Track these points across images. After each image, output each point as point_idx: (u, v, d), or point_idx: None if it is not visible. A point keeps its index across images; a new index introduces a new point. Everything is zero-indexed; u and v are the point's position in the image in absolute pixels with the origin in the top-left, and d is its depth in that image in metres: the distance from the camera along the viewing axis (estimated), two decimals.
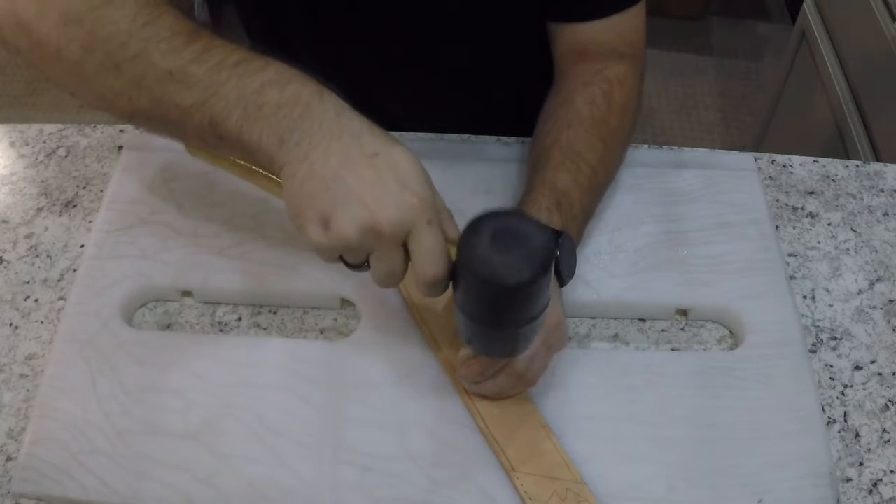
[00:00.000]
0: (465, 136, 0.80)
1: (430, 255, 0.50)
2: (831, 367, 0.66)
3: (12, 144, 0.80)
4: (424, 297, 0.59)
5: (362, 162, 0.50)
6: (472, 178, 0.75)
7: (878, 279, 0.72)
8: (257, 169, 0.59)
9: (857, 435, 0.62)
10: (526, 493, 0.56)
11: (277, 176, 0.52)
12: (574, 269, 0.59)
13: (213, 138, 0.53)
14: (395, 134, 0.80)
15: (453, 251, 0.51)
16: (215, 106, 0.52)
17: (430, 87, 0.80)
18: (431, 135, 0.80)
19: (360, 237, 0.49)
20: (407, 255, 0.51)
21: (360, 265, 0.53)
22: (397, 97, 0.80)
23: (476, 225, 0.49)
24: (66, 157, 0.79)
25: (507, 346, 0.54)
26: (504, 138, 0.80)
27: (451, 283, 0.53)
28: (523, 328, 0.51)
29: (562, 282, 0.57)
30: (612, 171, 0.71)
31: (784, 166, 0.81)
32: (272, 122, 0.51)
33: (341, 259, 0.53)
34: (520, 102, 0.81)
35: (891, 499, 0.58)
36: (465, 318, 0.52)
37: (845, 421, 0.62)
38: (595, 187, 0.67)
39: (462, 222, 0.50)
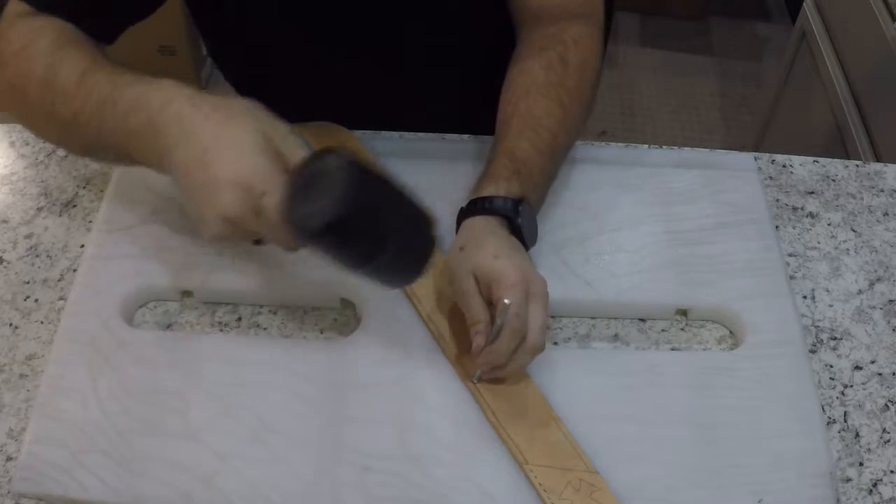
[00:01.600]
0: (465, 136, 0.80)
1: (273, 223, 0.54)
2: (831, 367, 0.66)
3: (12, 144, 0.80)
4: (427, 284, 0.65)
5: (196, 166, 0.55)
6: (471, 178, 0.75)
7: (878, 279, 0.72)
8: None
9: (857, 435, 0.62)
10: (541, 485, 0.56)
11: None
12: (536, 233, 0.66)
13: (131, 163, 0.61)
14: (396, 134, 0.81)
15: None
16: (109, 140, 0.60)
17: (406, 91, 0.82)
18: (431, 135, 0.80)
19: (224, 228, 0.55)
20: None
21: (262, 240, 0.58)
22: (377, 101, 0.82)
23: (295, 180, 0.52)
24: (66, 157, 0.79)
25: (391, 276, 0.57)
26: (493, 142, 0.80)
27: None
28: (380, 259, 0.52)
29: (525, 246, 0.63)
30: (574, 132, 0.72)
31: (784, 166, 0.81)
32: (143, 146, 0.58)
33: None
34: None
35: (891, 499, 0.58)
36: (342, 267, 0.54)
37: (845, 421, 0.62)
38: (556, 151, 0.69)
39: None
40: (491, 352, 0.58)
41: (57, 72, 0.61)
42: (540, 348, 0.59)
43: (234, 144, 0.55)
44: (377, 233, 0.51)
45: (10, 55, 0.63)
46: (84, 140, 0.62)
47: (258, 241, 0.59)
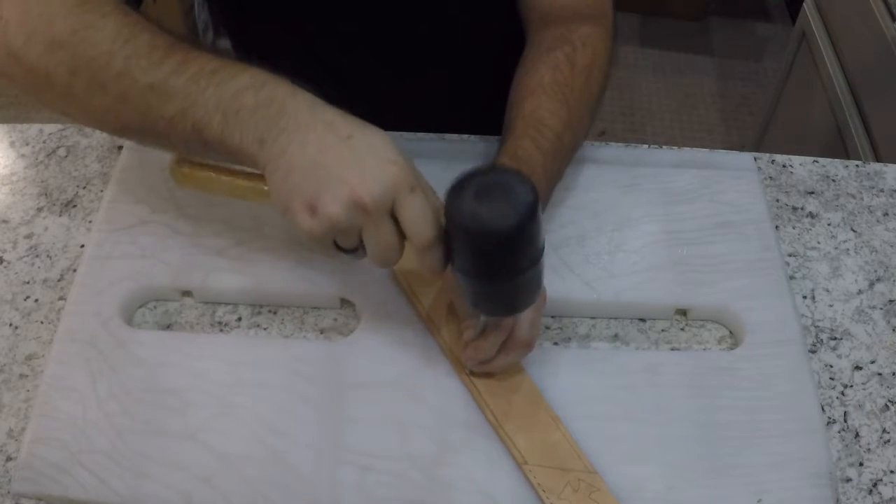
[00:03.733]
0: (465, 136, 0.80)
1: (419, 219, 0.52)
2: (831, 367, 0.66)
3: (12, 144, 0.80)
4: (426, 282, 0.64)
5: (338, 145, 0.52)
6: None
7: (878, 279, 0.72)
8: (244, 183, 0.61)
9: (856, 435, 0.62)
10: (539, 485, 0.56)
11: (262, 175, 0.55)
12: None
13: (197, 145, 0.56)
14: (395, 134, 0.81)
15: (441, 220, 0.53)
16: (196, 114, 0.54)
17: (413, 91, 0.81)
18: (431, 135, 0.80)
19: (347, 215, 0.51)
20: (398, 228, 0.53)
21: (356, 249, 0.55)
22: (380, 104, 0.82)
23: (458, 185, 0.51)
24: (66, 157, 0.79)
25: (514, 299, 0.55)
26: (498, 144, 0.80)
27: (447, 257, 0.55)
28: (523, 277, 0.53)
29: None
30: (580, 133, 0.71)
31: (784, 166, 0.81)
32: (250, 124, 0.53)
33: (337, 246, 0.56)
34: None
35: (891, 499, 0.58)
36: (467, 280, 0.54)
37: (845, 421, 0.62)
38: (560, 152, 0.68)
39: None
40: (476, 347, 0.59)
41: (136, 35, 0.56)
42: (527, 345, 0.60)
43: (381, 138, 0.53)
44: (538, 245, 0.52)
45: (69, 35, 0.57)
46: (148, 113, 0.56)
47: (347, 251, 0.56)
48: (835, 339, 0.67)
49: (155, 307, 0.68)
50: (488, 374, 0.61)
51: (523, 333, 0.59)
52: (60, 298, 0.68)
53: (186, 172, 0.62)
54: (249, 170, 0.58)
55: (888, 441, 0.61)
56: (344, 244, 0.55)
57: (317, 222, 0.52)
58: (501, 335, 0.59)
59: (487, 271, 0.53)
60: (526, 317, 0.59)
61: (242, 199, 0.62)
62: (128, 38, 0.56)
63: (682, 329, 0.68)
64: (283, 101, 0.54)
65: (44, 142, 0.80)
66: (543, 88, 0.69)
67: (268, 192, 0.56)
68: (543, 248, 0.53)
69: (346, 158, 0.52)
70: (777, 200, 0.77)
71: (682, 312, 0.68)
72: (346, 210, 0.51)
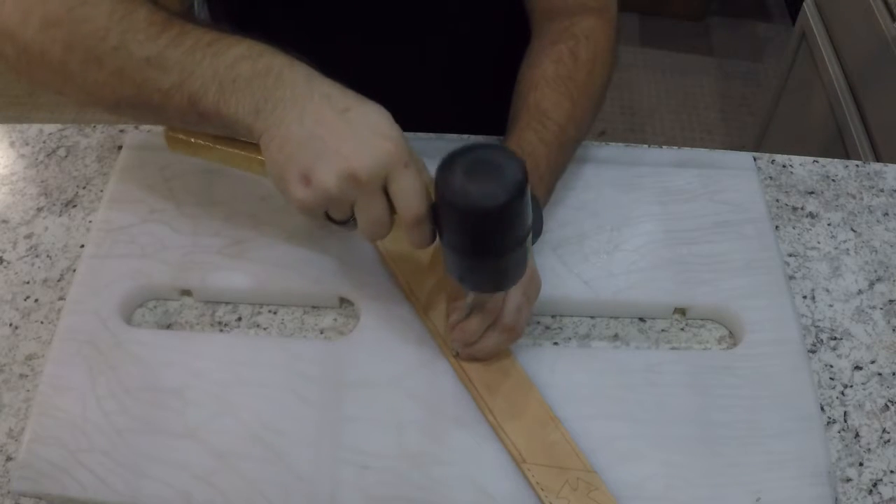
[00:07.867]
0: (465, 136, 0.80)
1: (410, 194, 0.53)
2: (831, 367, 0.66)
3: (12, 144, 0.80)
4: (423, 279, 0.65)
5: (335, 118, 0.53)
6: None
7: (878, 279, 0.72)
8: (238, 152, 0.60)
9: (856, 435, 0.62)
10: (538, 483, 0.56)
11: (258, 144, 0.55)
12: (541, 226, 0.63)
13: (193, 117, 0.57)
14: None
15: (432, 195, 0.54)
16: (192, 85, 0.55)
17: (412, 87, 0.81)
18: (431, 135, 0.80)
19: (340, 187, 0.52)
20: (389, 203, 0.54)
21: (346, 221, 0.56)
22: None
23: (449, 161, 0.51)
24: (66, 157, 0.79)
25: (499, 276, 0.55)
26: (503, 138, 0.80)
27: (436, 233, 0.55)
28: (510, 255, 0.53)
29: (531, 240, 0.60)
30: (583, 126, 0.71)
31: (784, 166, 0.81)
32: (247, 93, 0.54)
33: (328, 217, 0.56)
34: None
35: (891, 499, 0.58)
36: (454, 255, 0.54)
37: (845, 421, 0.62)
38: (564, 144, 0.68)
39: None
40: (462, 328, 0.59)
41: (132, 11, 0.57)
42: (512, 329, 0.60)
43: (378, 113, 0.54)
44: (526, 223, 0.52)
45: (65, 12, 0.57)
46: (144, 86, 0.56)
47: (338, 222, 0.57)
48: (835, 339, 0.67)
49: (154, 307, 0.68)
50: (475, 359, 0.61)
51: (509, 317, 0.59)
52: (60, 298, 0.68)
53: (182, 138, 0.62)
54: (244, 140, 0.58)
55: (888, 441, 0.61)
56: (335, 216, 0.56)
57: (310, 193, 0.53)
58: (488, 318, 0.59)
59: (474, 247, 0.53)
60: (513, 301, 0.59)
61: (236, 166, 0.61)
62: (124, 13, 0.57)
63: (682, 329, 0.68)
64: (280, 71, 0.54)
65: (44, 142, 0.80)
66: (547, 81, 0.69)
67: (262, 161, 0.56)
68: (531, 227, 0.53)
69: (342, 131, 0.53)
70: (777, 200, 0.77)
71: (681, 311, 0.68)
72: (340, 182, 0.52)
